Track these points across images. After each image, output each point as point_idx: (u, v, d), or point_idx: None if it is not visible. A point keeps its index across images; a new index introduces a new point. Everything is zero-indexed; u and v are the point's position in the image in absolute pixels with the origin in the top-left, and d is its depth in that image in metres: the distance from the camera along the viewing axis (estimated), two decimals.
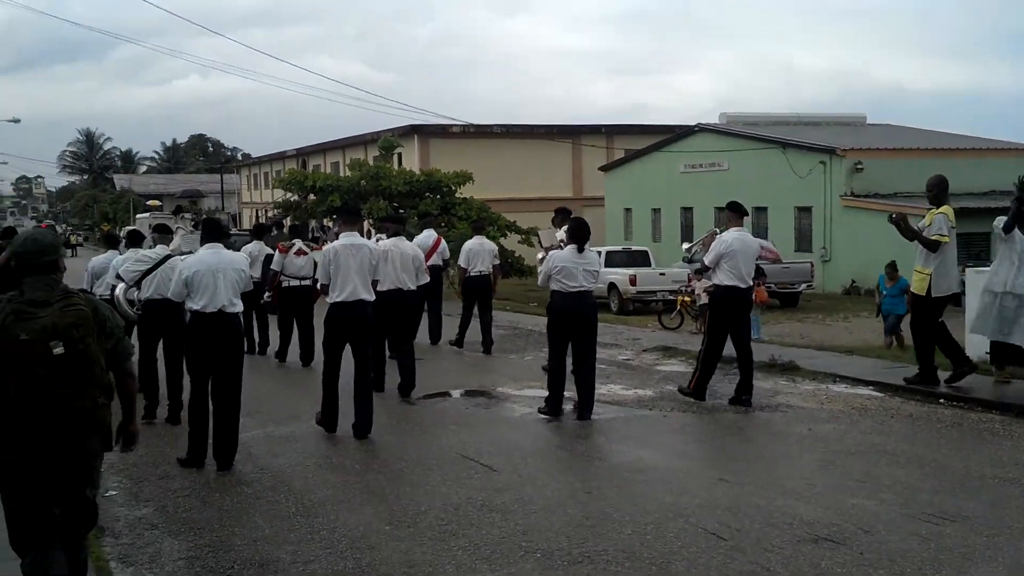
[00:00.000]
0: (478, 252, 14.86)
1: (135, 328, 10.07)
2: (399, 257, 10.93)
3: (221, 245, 8.40)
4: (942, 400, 10.28)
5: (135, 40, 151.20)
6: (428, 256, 14.45)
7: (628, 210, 41.64)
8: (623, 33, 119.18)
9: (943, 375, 10.66)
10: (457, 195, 31.20)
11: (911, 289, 11.29)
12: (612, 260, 25.61)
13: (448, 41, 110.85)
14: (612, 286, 24.68)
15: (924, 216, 11.01)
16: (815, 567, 5.42)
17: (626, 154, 43.11)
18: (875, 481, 7.20)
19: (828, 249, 30.84)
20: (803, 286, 25.85)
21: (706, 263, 10.70)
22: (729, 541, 5.87)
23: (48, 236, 4.72)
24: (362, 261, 8.98)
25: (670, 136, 40.71)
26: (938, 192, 10.85)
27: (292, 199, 33.19)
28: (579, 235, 9.71)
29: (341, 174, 38.12)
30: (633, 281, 23.90)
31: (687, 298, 20.25)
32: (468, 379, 12.45)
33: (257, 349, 14.62)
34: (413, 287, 11.11)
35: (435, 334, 15.46)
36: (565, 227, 10.57)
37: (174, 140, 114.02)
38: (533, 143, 44.83)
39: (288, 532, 6.29)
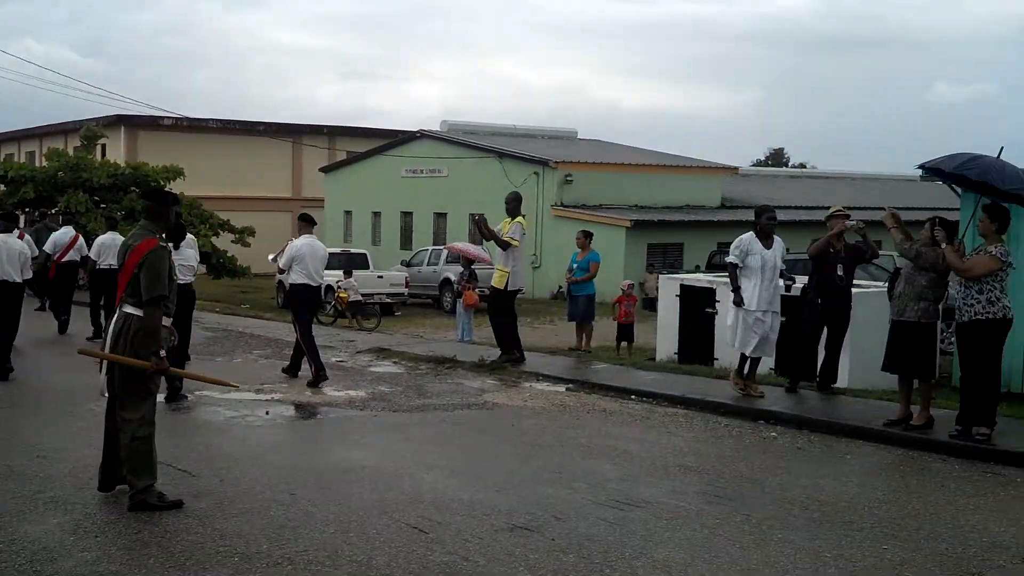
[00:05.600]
0: (110, 246, 15.15)
1: None
2: (6, 252, 11.99)
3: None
4: (633, 396, 11.01)
5: None
6: (65, 251, 16.32)
7: (348, 212, 41.48)
8: (354, 36, 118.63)
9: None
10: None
11: (492, 283, 13.24)
12: (331, 263, 25.41)
13: (169, 32, 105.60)
14: (329, 288, 24.47)
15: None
16: (510, 554, 5.63)
17: (348, 156, 42.92)
18: (569, 472, 7.60)
19: (538, 256, 32.15)
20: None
21: (280, 266, 12.11)
22: (430, 534, 5.99)
23: None
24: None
25: (393, 140, 41.01)
26: (515, 206, 13.21)
27: None
28: (173, 233, 10.64)
29: (37, 164, 35.37)
30: None
31: (343, 294, 22.28)
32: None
33: None
34: (19, 280, 12.17)
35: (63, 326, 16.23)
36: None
37: None
38: (251, 140, 43.64)
39: None
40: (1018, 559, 5.78)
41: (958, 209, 11.99)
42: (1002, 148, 8.96)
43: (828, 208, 11.64)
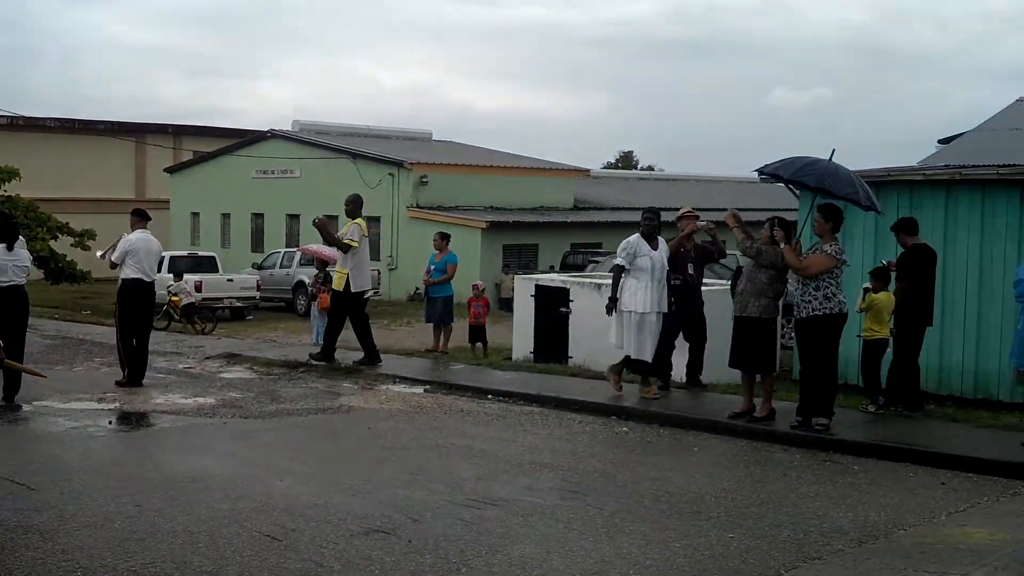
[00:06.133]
0: None
1: None
2: None
3: None
4: (490, 396, 11.09)
5: None
6: None
7: (195, 214, 40.33)
8: (201, 33, 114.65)
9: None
10: (0, 193, 28.27)
11: (333, 286, 13.32)
12: (177, 265, 24.69)
13: (2, 28, 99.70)
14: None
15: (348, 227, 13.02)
16: (366, 558, 5.58)
17: (195, 156, 41.73)
18: (426, 473, 7.59)
19: (395, 258, 32.01)
20: (371, 293, 26.58)
21: (113, 259, 11.82)
22: (283, 541, 5.88)
23: None
24: None
25: (242, 140, 40.10)
26: (353, 207, 13.18)
27: None
28: (7, 234, 10.62)
29: None
30: (199, 287, 23.14)
31: (175, 298, 21.76)
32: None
33: None
34: None
35: None
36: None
37: None
38: (92, 140, 41.89)
39: None
40: (855, 543, 6.08)
41: (797, 209, 12.54)
42: (833, 151, 9.42)
43: (676, 209, 11.96)
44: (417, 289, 28.99)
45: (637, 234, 10.72)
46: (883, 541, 6.13)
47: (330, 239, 13.09)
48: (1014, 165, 12.14)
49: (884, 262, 10.67)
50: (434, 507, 6.62)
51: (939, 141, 24.60)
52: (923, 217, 11.67)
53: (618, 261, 10.68)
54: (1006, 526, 6.42)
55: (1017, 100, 21.62)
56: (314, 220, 13.62)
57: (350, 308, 13.09)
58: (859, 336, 10.45)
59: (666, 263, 10.71)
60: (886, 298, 10.09)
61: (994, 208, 11.46)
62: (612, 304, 10.55)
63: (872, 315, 10.15)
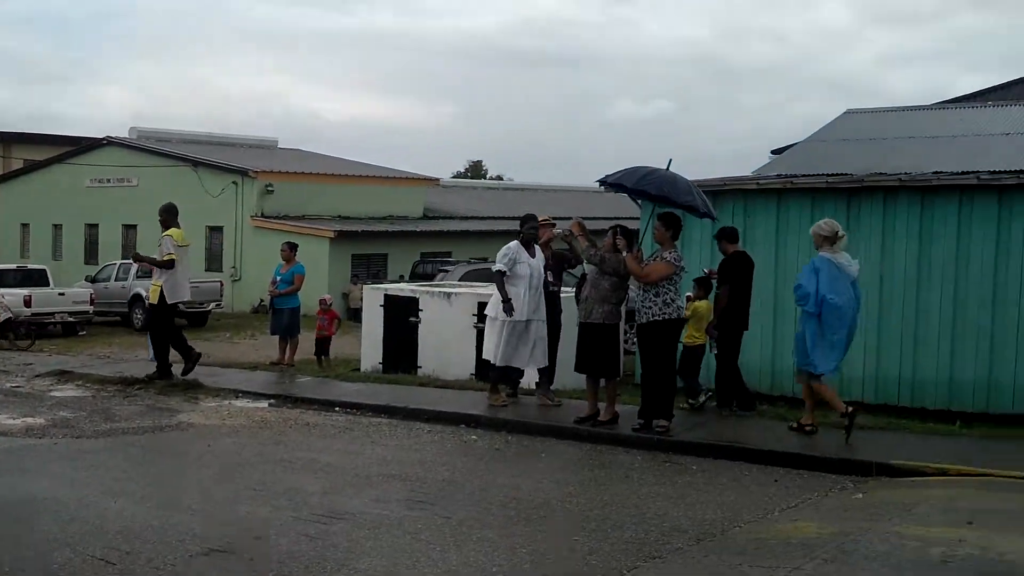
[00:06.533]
0: None
1: None
2: None
3: None
4: (337, 408, 10.93)
5: None
6: None
7: (25, 225, 38.42)
8: (33, 36, 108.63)
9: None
10: None
11: (148, 300, 13.09)
12: (4, 280, 23.44)
13: None
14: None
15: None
16: None
17: (25, 165, 39.75)
18: (270, 489, 7.41)
19: (238, 268, 31.24)
20: (212, 305, 25.96)
21: None
22: (118, 565, 5.62)
23: None
24: None
25: (76, 148, 38.47)
26: (167, 217, 12.88)
27: None
28: None
29: None
30: (28, 302, 22.02)
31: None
32: None
33: None
34: None
35: None
36: None
37: None
38: None
39: None
40: (694, 541, 6.26)
41: (638, 218, 12.87)
42: (670, 160, 9.74)
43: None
44: (262, 301, 28.27)
45: (516, 241, 10.80)
46: (720, 538, 6.33)
47: (152, 263, 12.90)
48: (841, 174, 12.81)
49: (705, 271, 11.09)
50: (278, 524, 6.47)
51: (772, 152, 25.78)
52: (756, 224, 12.18)
53: (499, 267, 10.65)
54: (833, 520, 6.73)
55: (845, 112, 22.83)
56: (132, 256, 13.41)
57: (164, 319, 12.82)
58: (681, 343, 10.79)
59: (543, 271, 10.80)
60: (705, 306, 10.64)
61: (823, 215, 12.00)
62: (507, 304, 10.43)
63: (693, 322, 10.58)
